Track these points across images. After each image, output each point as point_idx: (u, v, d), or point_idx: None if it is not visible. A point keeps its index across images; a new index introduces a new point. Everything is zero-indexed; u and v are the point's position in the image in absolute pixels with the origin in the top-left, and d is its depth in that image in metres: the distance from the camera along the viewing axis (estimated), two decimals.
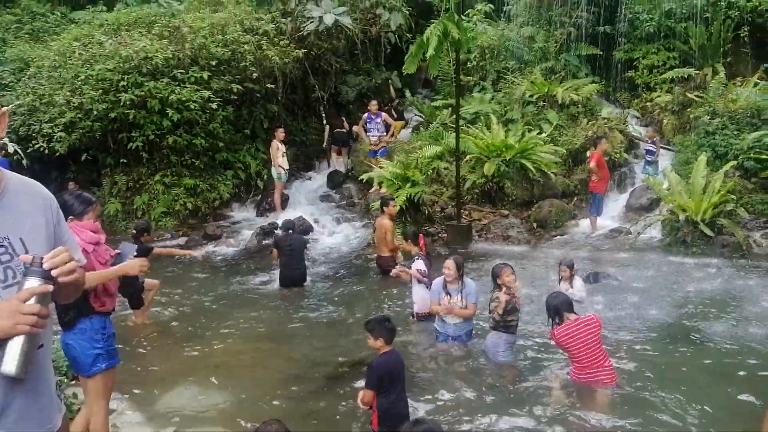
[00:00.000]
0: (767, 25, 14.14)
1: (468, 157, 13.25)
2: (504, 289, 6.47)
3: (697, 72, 14.43)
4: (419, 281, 7.84)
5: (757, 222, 11.25)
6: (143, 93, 12.83)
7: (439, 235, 12.51)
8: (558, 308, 5.86)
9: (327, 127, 15.70)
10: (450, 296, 6.89)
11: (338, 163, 15.73)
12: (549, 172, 12.93)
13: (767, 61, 14.24)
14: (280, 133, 13.98)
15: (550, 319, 5.95)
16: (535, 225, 12.59)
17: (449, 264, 6.90)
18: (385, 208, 10.39)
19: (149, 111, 13.08)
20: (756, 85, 13.40)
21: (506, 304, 6.39)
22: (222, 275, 10.82)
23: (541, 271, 10.06)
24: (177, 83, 13.11)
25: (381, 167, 13.01)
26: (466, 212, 13.01)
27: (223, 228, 13.45)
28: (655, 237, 11.47)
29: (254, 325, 8.36)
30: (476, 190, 13.25)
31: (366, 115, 14.95)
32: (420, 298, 7.83)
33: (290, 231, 10.22)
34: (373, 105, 14.88)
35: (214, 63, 13.51)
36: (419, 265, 7.98)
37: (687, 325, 7.77)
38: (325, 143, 15.86)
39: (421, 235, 8.86)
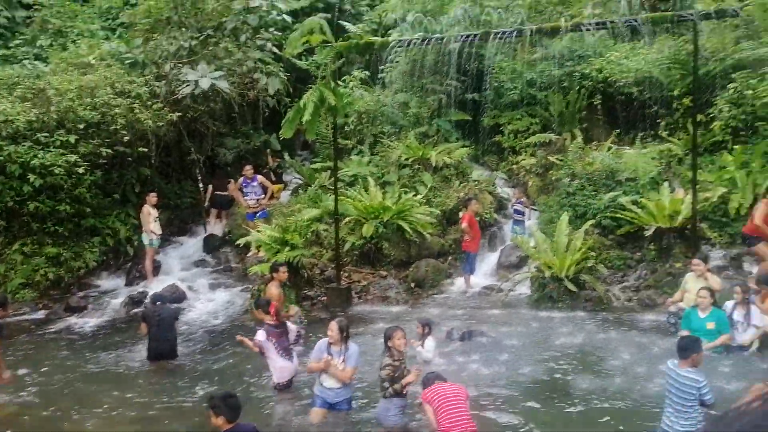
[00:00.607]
0: (616, 95, 15.48)
1: (347, 219, 13.39)
2: (394, 354, 6.56)
3: (558, 137, 15.50)
4: (261, 353, 7.79)
5: (615, 276, 12.06)
6: (2, 157, 12.06)
7: (319, 298, 12.44)
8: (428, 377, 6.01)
9: (209, 188, 15.37)
10: (331, 357, 6.82)
11: (216, 226, 15.39)
12: (425, 233, 13.28)
13: (618, 127, 15.57)
14: (152, 198, 13.50)
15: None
16: (412, 285, 12.82)
17: (333, 326, 6.90)
18: (274, 274, 10.08)
19: (8, 176, 12.28)
20: (609, 149, 14.57)
21: (394, 371, 6.49)
22: (86, 350, 10.12)
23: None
24: (41, 147, 12.44)
25: (259, 231, 12.85)
26: (346, 274, 13.06)
27: (89, 298, 12.68)
28: (525, 293, 11.98)
29: (121, 408, 7.79)
30: (355, 251, 13.36)
31: (241, 179, 14.81)
32: (277, 367, 7.74)
33: (158, 303, 9.77)
34: (248, 170, 14.79)
35: (82, 126, 12.96)
36: (260, 335, 7.88)
37: (556, 379, 8.10)
38: (206, 203, 15.51)
39: (273, 303, 8.44)
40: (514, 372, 8.34)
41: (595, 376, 8.09)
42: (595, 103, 15.94)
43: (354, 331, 10.18)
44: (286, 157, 16.86)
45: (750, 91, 12.97)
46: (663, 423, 5.94)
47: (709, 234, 11.89)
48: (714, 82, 14.00)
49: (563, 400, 7.41)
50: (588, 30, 12.84)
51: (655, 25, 12.44)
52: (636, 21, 11.59)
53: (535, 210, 14.36)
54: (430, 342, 8.07)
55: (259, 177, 14.91)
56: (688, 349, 5.91)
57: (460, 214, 13.17)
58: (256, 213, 14.42)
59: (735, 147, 12.88)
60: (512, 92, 16.19)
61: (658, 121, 15.07)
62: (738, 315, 8.79)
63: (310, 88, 12.10)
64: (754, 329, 8.68)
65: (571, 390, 7.74)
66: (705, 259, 9.81)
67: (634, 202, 12.46)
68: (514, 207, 13.99)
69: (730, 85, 13.46)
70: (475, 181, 14.83)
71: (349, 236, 13.29)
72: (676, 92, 14.66)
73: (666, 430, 5.88)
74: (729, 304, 8.90)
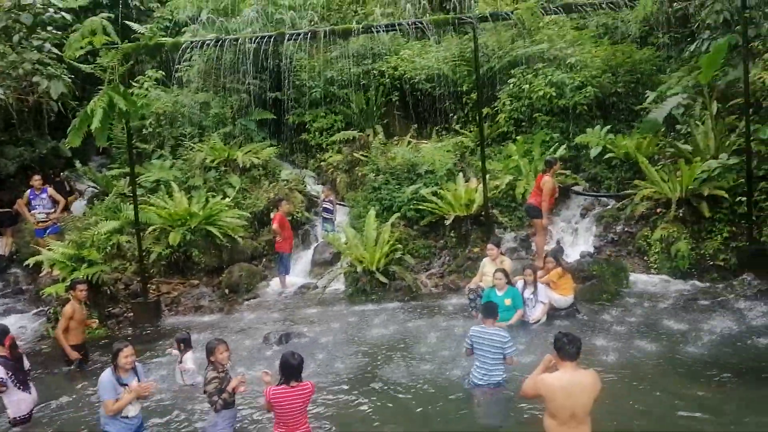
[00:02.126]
0: (412, 91, 16.25)
1: (151, 229, 12.72)
2: (218, 367, 6.37)
3: (360, 134, 15.94)
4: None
5: (422, 265, 12.73)
6: None
7: (125, 314, 11.73)
8: (292, 371, 5.88)
9: None
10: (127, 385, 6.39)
11: (1, 246, 13.83)
12: (236, 237, 13.02)
13: (416, 122, 16.38)
14: None
15: (281, 378, 5.92)
16: (227, 291, 12.53)
17: (127, 351, 6.44)
18: (71, 292, 9.32)
19: None
20: (409, 143, 15.29)
21: (221, 383, 6.31)
22: None
23: (237, 338, 10.00)
24: None
25: (50, 249, 11.78)
26: (154, 286, 12.43)
27: None
28: (340, 289, 12.23)
29: None
30: (163, 261, 12.75)
31: (28, 191, 13.45)
32: (14, 401, 7.18)
33: None
34: (36, 180, 13.46)
35: None
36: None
37: (367, 371, 8.37)
38: None
39: (10, 335, 7.39)
40: (328, 369, 8.50)
41: (405, 364, 8.48)
42: (393, 99, 16.60)
43: (164, 346, 9.81)
44: (77, 164, 15.50)
45: (527, 86, 14.29)
46: (474, 377, 7.31)
47: (501, 219, 12.95)
48: (496, 78, 15.22)
49: (372, 392, 7.67)
50: (378, 32, 13.33)
51: (439, 27, 13.24)
52: (421, 23, 12.27)
53: (344, 206, 14.67)
54: (189, 354, 8.14)
55: (49, 189, 13.63)
56: (492, 309, 7.51)
57: (272, 215, 13.09)
58: (46, 229, 13.19)
59: (518, 137, 14.13)
60: (314, 90, 16.35)
61: (451, 115, 16.09)
62: (528, 293, 9.71)
63: (101, 89, 11.26)
64: (542, 305, 9.65)
65: (380, 380, 8.04)
66: (498, 244, 10.67)
67: (434, 194, 13.21)
68: (323, 205, 14.18)
69: (510, 80, 14.74)
70: (284, 180, 14.81)
71: (154, 246, 12.64)
72: (464, 88, 15.74)
73: (477, 383, 7.24)
74: (519, 284, 9.79)
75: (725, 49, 10.80)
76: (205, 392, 6.44)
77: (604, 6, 12.25)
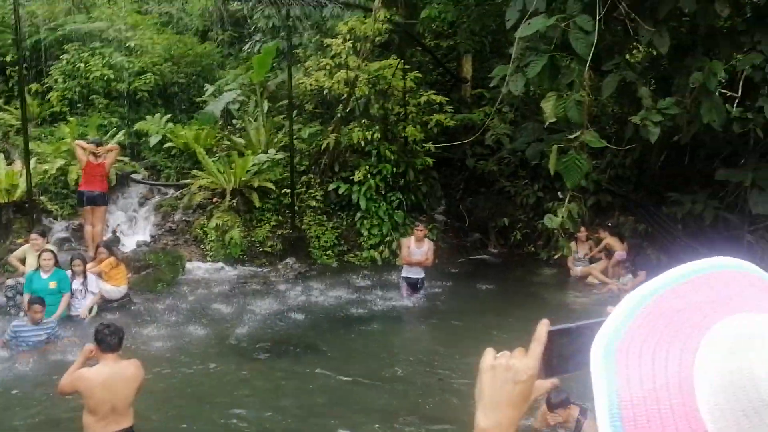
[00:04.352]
0: None
1: None
2: None
3: None
4: None
5: None
6: None
7: None
8: None
9: None
10: None
11: None
12: None
13: None
14: None
15: None
16: None
17: None
18: None
19: None
20: None
21: None
22: None
23: None
24: None
25: None
26: None
27: None
28: None
29: None
30: None
31: None
32: None
33: None
34: None
35: None
36: None
37: None
38: None
39: None
40: None
41: None
42: None
43: None
44: None
45: (82, 65, 13.33)
46: None
47: (51, 207, 11.81)
48: (48, 52, 13.82)
49: None
50: None
51: None
52: None
53: None
54: None
55: None
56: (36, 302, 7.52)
57: None
58: None
59: (71, 119, 13.07)
60: None
61: None
62: (77, 284, 9.05)
63: None
64: (92, 295, 9.12)
65: None
66: (43, 233, 9.68)
67: None
68: None
69: (63, 56, 13.55)
70: None
71: None
72: (8, 58, 13.88)
73: None
74: (69, 273, 9.05)
75: (274, 52, 11.86)
76: None
77: None
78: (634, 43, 11.20)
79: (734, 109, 9.21)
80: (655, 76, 12.22)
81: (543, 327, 1.02)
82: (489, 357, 1.05)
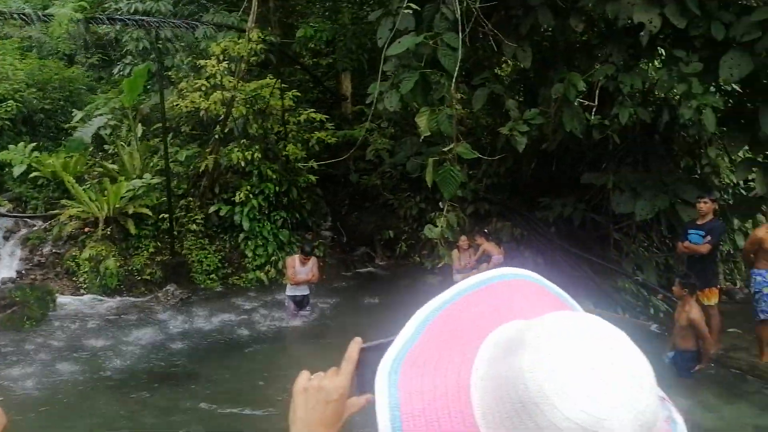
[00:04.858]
0: None
1: None
2: None
3: None
4: None
5: None
6: None
7: None
8: None
9: None
10: None
11: None
12: None
13: None
14: None
15: None
16: None
17: None
18: None
19: None
20: None
21: None
22: None
23: None
24: None
25: None
26: None
27: None
28: None
29: None
30: None
31: None
32: None
33: None
34: None
35: None
36: None
37: None
38: None
39: None
40: None
41: None
42: None
43: None
44: None
45: None
46: None
47: None
48: None
49: None
50: None
51: None
52: None
53: None
54: None
55: None
56: None
57: None
58: None
59: None
60: None
61: None
62: None
63: None
64: None
65: None
66: None
67: None
68: None
69: None
70: None
71: None
72: None
73: None
74: None
75: (145, 75, 11.48)
76: None
77: (15, 17, 11.49)
78: (503, 58, 11.76)
79: (593, 117, 9.80)
80: (523, 89, 12.87)
81: (354, 345, 1.04)
82: (302, 379, 1.07)
